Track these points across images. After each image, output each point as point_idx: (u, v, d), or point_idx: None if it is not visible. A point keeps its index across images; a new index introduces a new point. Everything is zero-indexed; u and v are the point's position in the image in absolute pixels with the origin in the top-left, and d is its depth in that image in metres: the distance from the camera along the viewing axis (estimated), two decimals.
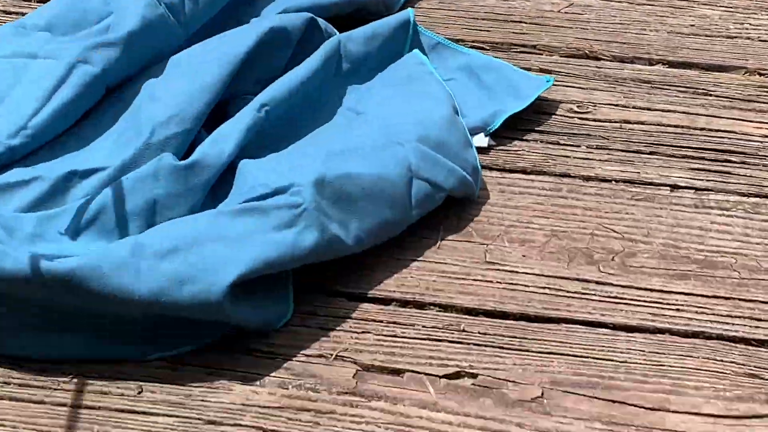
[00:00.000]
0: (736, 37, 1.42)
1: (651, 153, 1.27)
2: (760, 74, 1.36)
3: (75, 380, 0.99)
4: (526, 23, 1.45)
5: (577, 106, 1.32)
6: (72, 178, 1.10)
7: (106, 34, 1.21)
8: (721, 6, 1.46)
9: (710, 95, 1.34)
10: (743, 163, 1.24)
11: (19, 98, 1.15)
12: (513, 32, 1.44)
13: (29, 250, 1.00)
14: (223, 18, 1.32)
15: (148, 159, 1.11)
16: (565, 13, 1.45)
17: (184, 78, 1.19)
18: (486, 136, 1.26)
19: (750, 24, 1.43)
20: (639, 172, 1.24)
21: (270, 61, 1.22)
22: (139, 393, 0.98)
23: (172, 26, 1.25)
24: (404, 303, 1.08)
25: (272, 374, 1.00)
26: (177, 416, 0.95)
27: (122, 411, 0.96)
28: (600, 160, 1.26)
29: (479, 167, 1.20)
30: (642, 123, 1.30)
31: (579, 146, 1.28)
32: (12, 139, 1.11)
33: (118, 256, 0.98)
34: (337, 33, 1.27)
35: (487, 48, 1.41)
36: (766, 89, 1.34)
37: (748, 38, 1.41)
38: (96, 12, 1.26)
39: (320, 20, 1.27)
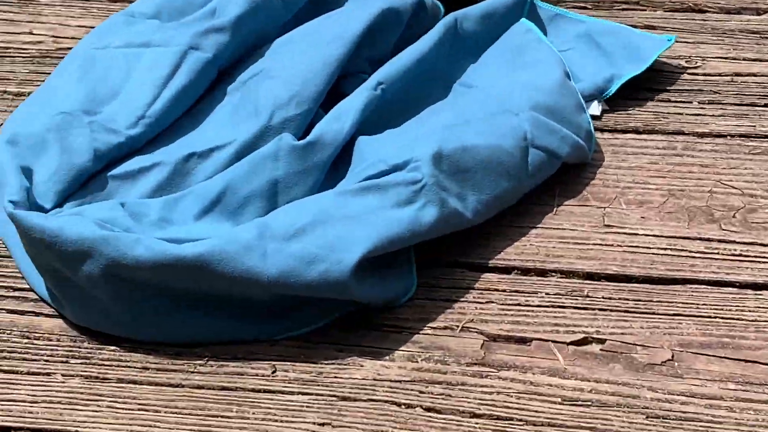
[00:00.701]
0: None
1: (766, 105, 1.24)
2: None
3: (210, 363, 0.99)
4: None
5: (686, 61, 1.30)
6: (191, 159, 1.11)
7: (214, 18, 1.21)
8: None
9: None
10: None
11: (135, 88, 1.16)
12: None
13: (157, 235, 1.01)
14: None
15: (268, 140, 1.11)
16: None
17: (302, 57, 1.19)
18: (600, 102, 1.24)
19: None
20: (755, 126, 1.22)
21: (382, 40, 1.21)
22: (273, 373, 0.98)
23: (276, 7, 1.24)
24: (525, 271, 1.08)
25: (401, 348, 1.00)
26: (311, 393, 0.95)
27: (258, 391, 0.97)
28: (713, 115, 1.24)
29: (593, 131, 1.18)
30: (754, 75, 1.28)
31: (691, 102, 1.26)
32: (132, 129, 1.12)
33: (245, 239, 0.98)
34: (442, 9, 1.26)
35: (589, 7, 1.39)
36: None
37: None
38: None
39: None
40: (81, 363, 1.01)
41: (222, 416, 0.95)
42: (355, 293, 0.99)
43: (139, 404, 0.97)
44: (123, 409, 0.96)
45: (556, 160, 1.13)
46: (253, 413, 0.94)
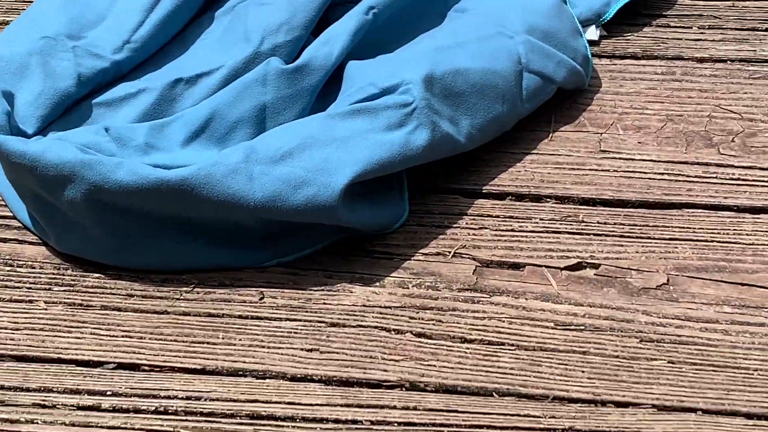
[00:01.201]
0: None
1: (767, 30, 1.23)
2: None
3: (197, 289, 0.99)
4: None
5: None
6: (177, 85, 1.10)
7: None
8: None
9: None
10: None
11: (121, 13, 1.15)
12: None
13: (143, 160, 1.00)
14: None
15: (255, 61, 1.11)
16: None
17: None
18: (597, 27, 1.23)
19: None
20: (755, 50, 1.21)
21: None
22: (261, 299, 0.98)
23: None
24: (520, 197, 1.07)
25: (391, 275, 0.99)
26: (299, 320, 0.95)
27: (245, 317, 0.96)
28: (713, 40, 1.23)
29: (590, 56, 1.17)
30: None
31: (690, 27, 1.25)
32: (117, 54, 1.11)
33: (231, 162, 0.97)
34: None
35: None
36: None
37: None
38: None
39: None
40: (64, 290, 1.00)
41: (208, 342, 0.94)
42: (344, 218, 0.98)
43: (123, 331, 0.96)
44: (106, 335, 0.96)
45: (552, 85, 1.13)
46: (240, 339, 0.93)
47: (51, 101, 1.06)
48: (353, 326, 0.94)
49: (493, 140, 1.10)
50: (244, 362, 0.92)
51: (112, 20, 1.14)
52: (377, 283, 0.98)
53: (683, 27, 1.25)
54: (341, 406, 0.87)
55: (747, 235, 0.99)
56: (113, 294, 1.00)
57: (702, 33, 1.24)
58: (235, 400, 0.89)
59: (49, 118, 1.06)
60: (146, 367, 0.93)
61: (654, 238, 1.01)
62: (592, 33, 1.22)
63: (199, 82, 1.10)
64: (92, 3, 1.17)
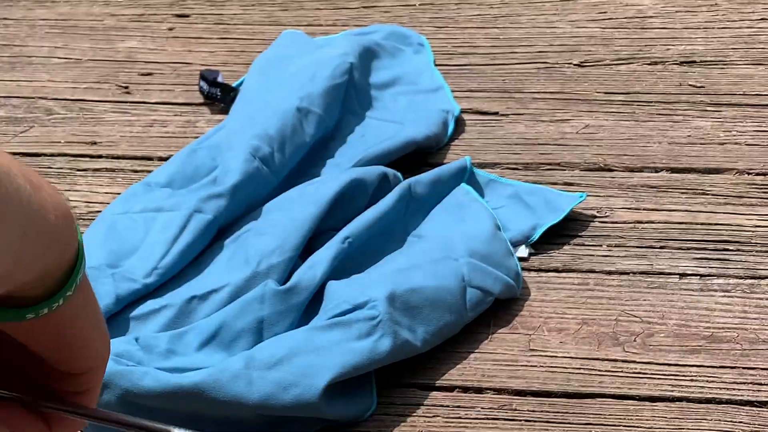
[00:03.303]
0: (726, 143, 1.41)
1: (661, 247, 1.26)
2: (748, 174, 1.35)
3: None
4: (550, 144, 1.45)
5: (597, 212, 1.32)
6: (192, 300, 1.13)
7: (215, 186, 1.24)
8: (711, 117, 1.46)
9: (708, 194, 1.33)
10: (738, 250, 1.23)
11: (151, 245, 1.18)
12: (540, 153, 1.44)
13: (165, 364, 1.03)
14: (304, 164, 1.34)
15: (256, 284, 1.13)
16: (582, 133, 1.46)
17: (285, 217, 1.21)
18: (527, 246, 1.26)
19: (737, 131, 1.43)
20: (652, 264, 1.23)
21: (350, 204, 1.24)
22: None
23: (265, 175, 1.27)
24: (465, 389, 1.09)
25: None
26: None
27: None
28: (619, 256, 1.26)
29: (520, 271, 1.20)
30: (652, 222, 1.30)
31: (601, 245, 1.27)
32: (147, 278, 1.15)
33: (234, 368, 1.01)
34: (402, 179, 1.28)
35: (520, 168, 1.41)
36: (754, 186, 1.33)
37: (736, 143, 1.41)
38: (205, 166, 1.30)
39: (389, 171, 1.28)
40: None
41: None
42: (325, 412, 1.02)
43: None
44: None
45: (490, 296, 1.15)
46: None
47: None
48: None
49: (444, 341, 1.12)
50: None
51: (144, 251, 1.18)
52: None
53: (595, 245, 1.27)
54: None
55: (647, 420, 1.03)
56: None
57: (610, 250, 1.26)
58: None
59: None
60: None
61: (573, 424, 1.03)
62: (522, 251, 1.24)
63: (210, 298, 1.13)
64: (127, 238, 1.20)
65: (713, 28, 1.60)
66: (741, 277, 1.20)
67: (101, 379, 0.54)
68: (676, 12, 1.63)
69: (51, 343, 0.49)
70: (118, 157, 1.45)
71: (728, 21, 1.60)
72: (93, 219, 1.28)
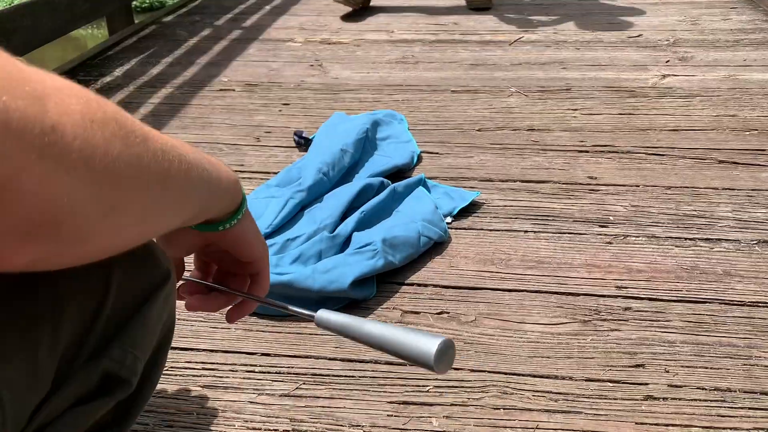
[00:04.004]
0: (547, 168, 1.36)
1: (516, 217, 1.20)
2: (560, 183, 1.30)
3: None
4: (463, 168, 1.41)
5: (484, 200, 1.29)
6: (287, 241, 1.13)
7: (299, 186, 1.25)
8: (543, 157, 1.42)
9: (539, 192, 1.27)
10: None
11: (268, 214, 1.19)
12: (458, 172, 1.40)
13: (273, 271, 1.04)
14: (343, 177, 1.34)
15: (318, 233, 1.14)
16: (479, 163, 1.41)
17: (333, 201, 1.21)
18: (450, 217, 1.25)
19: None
20: (510, 225, 1.18)
21: (365, 195, 1.23)
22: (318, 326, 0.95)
23: (325, 182, 1.28)
24: (419, 285, 1.04)
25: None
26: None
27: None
28: (493, 221, 1.21)
29: (447, 229, 1.21)
30: (509, 206, 1.23)
31: (486, 216, 1.22)
32: (266, 230, 1.16)
33: (306, 273, 1.02)
34: (391, 183, 1.26)
35: (448, 179, 1.37)
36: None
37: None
38: (296, 176, 1.30)
39: (384, 180, 1.27)
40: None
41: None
42: (350, 295, 1.02)
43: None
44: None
45: (432, 240, 1.16)
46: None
47: None
48: None
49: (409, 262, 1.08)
50: None
51: (264, 217, 1.17)
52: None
53: (482, 216, 1.19)
54: None
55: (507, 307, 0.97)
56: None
57: (490, 219, 1.21)
58: None
59: None
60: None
61: (464, 302, 0.97)
62: (448, 219, 1.24)
63: (296, 240, 1.12)
64: (256, 210, 1.19)
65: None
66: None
67: (267, 265, 0.55)
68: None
69: (236, 242, 0.50)
70: (254, 172, 1.42)
71: None
72: None
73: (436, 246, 1.14)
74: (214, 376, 0.90)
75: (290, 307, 0.55)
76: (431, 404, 0.83)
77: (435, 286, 1.05)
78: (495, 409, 0.81)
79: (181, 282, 0.56)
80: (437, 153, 1.47)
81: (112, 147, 0.28)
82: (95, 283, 0.40)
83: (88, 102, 0.28)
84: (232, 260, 0.54)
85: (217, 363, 0.93)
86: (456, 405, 0.82)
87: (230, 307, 0.56)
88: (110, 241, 0.31)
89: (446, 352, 0.45)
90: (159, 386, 0.82)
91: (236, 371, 0.91)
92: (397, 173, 1.36)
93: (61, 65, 2.05)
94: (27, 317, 0.36)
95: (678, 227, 1.20)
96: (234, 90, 1.81)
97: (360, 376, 0.89)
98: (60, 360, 0.38)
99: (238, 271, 0.56)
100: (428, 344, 0.44)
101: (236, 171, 1.44)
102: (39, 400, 0.37)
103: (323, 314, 0.51)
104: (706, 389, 0.84)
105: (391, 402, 0.84)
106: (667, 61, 1.95)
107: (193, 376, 0.90)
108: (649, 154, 1.47)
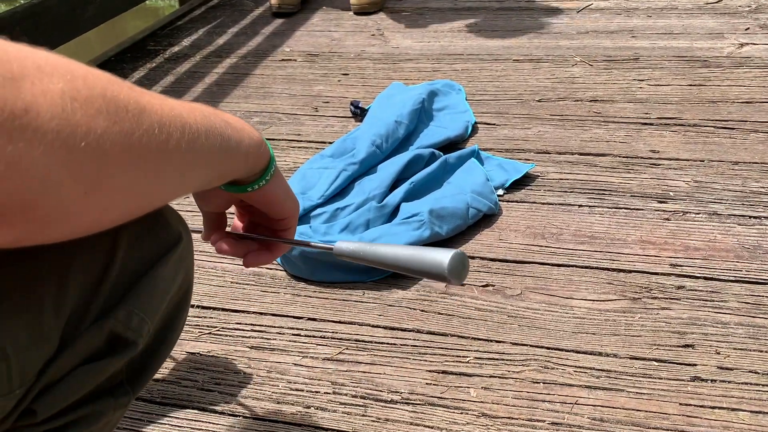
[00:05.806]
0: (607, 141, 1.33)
1: (571, 191, 1.16)
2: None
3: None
4: (519, 140, 1.37)
5: (539, 173, 1.26)
6: (337, 210, 1.13)
7: (353, 158, 1.25)
8: (605, 129, 1.37)
9: (597, 166, 1.23)
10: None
11: (321, 184, 1.19)
12: (513, 144, 1.36)
13: (322, 239, 1.05)
14: (396, 148, 1.32)
15: (367, 203, 1.14)
16: (536, 135, 1.37)
17: (383, 172, 1.21)
18: (502, 189, 1.23)
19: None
20: (564, 199, 1.15)
21: (414, 166, 1.22)
22: (364, 294, 0.97)
23: (377, 154, 1.27)
24: (471, 257, 1.02)
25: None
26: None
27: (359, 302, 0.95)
28: (548, 195, 1.19)
29: (498, 201, 1.18)
30: (567, 179, 1.21)
31: (540, 189, 1.20)
32: (319, 200, 1.16)
33: (355, 241, 1.04)
34: (442, 155, 1.24)
35: (502, 151, 1.35)
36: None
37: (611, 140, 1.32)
38: (350, 147, 1.30)
39: (436, 151, 1.26)
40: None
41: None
42: None
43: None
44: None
45: (480, 213, 1.14)
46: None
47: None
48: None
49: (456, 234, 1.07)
50: None
51: (317, 187, 1.17)
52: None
53: (536, 189, 1.17)
54: None
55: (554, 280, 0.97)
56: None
57: (544, 192, 1.17)
58: None
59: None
60: None
61: (512, 276, 0.99)
62: (500, 191, 1.21)
63: (345, 209, 1.12)
64: (310, 180, 1.19)
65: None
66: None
67: (296, 222, 0.55)
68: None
69: (265, 201, 0.50)
70: (310, 141, 1.42)
71: None
72: (296, 170, 1.28)
73: (486, 218, 1.13)
74: (262, 338, 0.93)
75: (312, 243, 0.56)
76: (470, 375, 0.83)
77: (482, 258, 1.03)
78: (534, 382, 0.81)
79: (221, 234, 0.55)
80: (494, 124, 1.43)
81: (96, 125, 0.26)
82: (101, 246, 0.40)
83: (73, 80, 0.26)
84: (263, 214, 0.53)
85: (266, 325, 0.95)
86: (495, 377, 0.83)
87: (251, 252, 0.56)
88: (96, 217, 0.29)
89: (461, 262, 0.45)
90: (209, 346, 0.86)
91: (283, 334, 0.94)
92: (451, 144, 1.34)
93: (133, 35, 2.09)
94: (31, 277, 0.36)
95: (743, 204, 1.13)
96: (295, 60, 1.80)
97: (401, 344, 0.90)
98: (67, 321, 0.38)
99: (268, 225, 0.54)
100: (441, 255, 0.45)
101: (293, 140, 1.46)
102: (46, 359, 0.37)
103: (341, 245, 0.51)
104: (759, 373, 0.80)
105: (430, 371, 0.84)
106: (746, 29, 1.79)
107: (243, 337, 0.94)
108: (718, 128, 1.37)
